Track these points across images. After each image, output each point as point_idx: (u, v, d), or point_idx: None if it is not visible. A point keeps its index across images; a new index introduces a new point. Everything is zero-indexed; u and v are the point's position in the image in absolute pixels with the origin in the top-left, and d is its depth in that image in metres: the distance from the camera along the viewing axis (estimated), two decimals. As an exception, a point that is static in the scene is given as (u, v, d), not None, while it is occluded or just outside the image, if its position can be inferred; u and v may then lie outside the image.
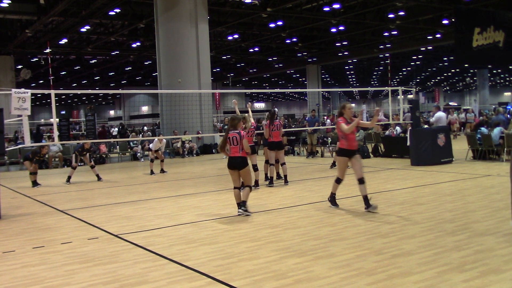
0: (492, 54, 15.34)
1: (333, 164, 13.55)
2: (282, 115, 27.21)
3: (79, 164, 15.27)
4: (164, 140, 14.44)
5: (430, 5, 25.22)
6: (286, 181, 10.81)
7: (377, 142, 17.26)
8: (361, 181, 7.28)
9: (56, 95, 10.57)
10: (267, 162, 11.11)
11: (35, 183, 12.56)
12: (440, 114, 15.56)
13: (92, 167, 13.40)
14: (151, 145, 14.80)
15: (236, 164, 7.40)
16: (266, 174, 11.19)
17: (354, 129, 7.44)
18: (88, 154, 13.26)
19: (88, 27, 27.54)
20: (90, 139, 21.30)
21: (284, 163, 11.02)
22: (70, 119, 36.07)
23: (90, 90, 43.79)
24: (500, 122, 14.92)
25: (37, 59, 36.76)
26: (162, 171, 14.57)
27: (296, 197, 9.10)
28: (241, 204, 7.47)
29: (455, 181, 10.17)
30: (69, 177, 12.96)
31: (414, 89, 21.80)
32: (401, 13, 26.33)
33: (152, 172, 14.34)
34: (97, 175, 13.32)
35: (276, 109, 12.48)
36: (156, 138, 14.59)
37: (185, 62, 20.17)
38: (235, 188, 7.55)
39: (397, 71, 59.46)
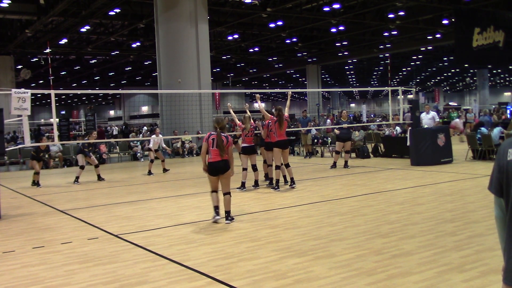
0: (492, 54, 15.35)
1: (334, 165, 13.55)
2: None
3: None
4: (161, 135, 14.52)
5: (430, 5, 25.21)
6: (286, 181, 10.80)
7: (377, 142, 17.24)
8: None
9: (56, 95, 10.56)
10: (265, 162, 11.13)
11: (35, 183, 12.59)
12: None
13: (96, 166, 13.45)
14: (150, 145, 14.75)
15: (219, 169, 6.97)
16: (266, 174, 11.19)
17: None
18: (92, 155, 13.40)
19: (88, 27, 27.53)
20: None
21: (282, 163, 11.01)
22: (70, 119, 36.10)
23: (90, 90, 43.71)
24: (485, 123, 15.08)
25: (37, 59, 36.75)
26: (165, 170, 14.54)
27: (296, 197, 9.09)
28: (227, 215, 7.03)
29: (455, 181, 10.16)
30: (77, 178, 12.97)
31: (414, 89, 21.81)
32: (401, 13, 26.34)
33: (150, 173, 14.31)
34: (98, 175, 13.34)
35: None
36: (152, 137, 14.58)
37: (185, 62, 20.15)
38: (213, 191, 7.10)
39: (397, 71, 59.46)
